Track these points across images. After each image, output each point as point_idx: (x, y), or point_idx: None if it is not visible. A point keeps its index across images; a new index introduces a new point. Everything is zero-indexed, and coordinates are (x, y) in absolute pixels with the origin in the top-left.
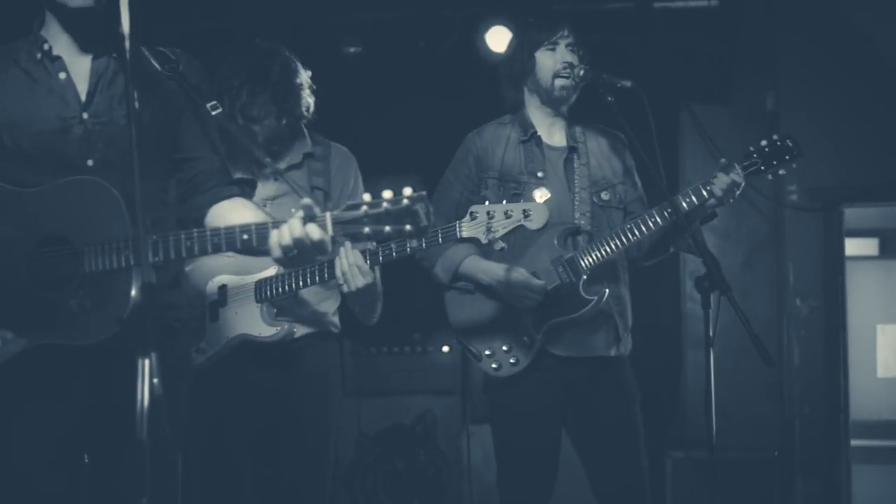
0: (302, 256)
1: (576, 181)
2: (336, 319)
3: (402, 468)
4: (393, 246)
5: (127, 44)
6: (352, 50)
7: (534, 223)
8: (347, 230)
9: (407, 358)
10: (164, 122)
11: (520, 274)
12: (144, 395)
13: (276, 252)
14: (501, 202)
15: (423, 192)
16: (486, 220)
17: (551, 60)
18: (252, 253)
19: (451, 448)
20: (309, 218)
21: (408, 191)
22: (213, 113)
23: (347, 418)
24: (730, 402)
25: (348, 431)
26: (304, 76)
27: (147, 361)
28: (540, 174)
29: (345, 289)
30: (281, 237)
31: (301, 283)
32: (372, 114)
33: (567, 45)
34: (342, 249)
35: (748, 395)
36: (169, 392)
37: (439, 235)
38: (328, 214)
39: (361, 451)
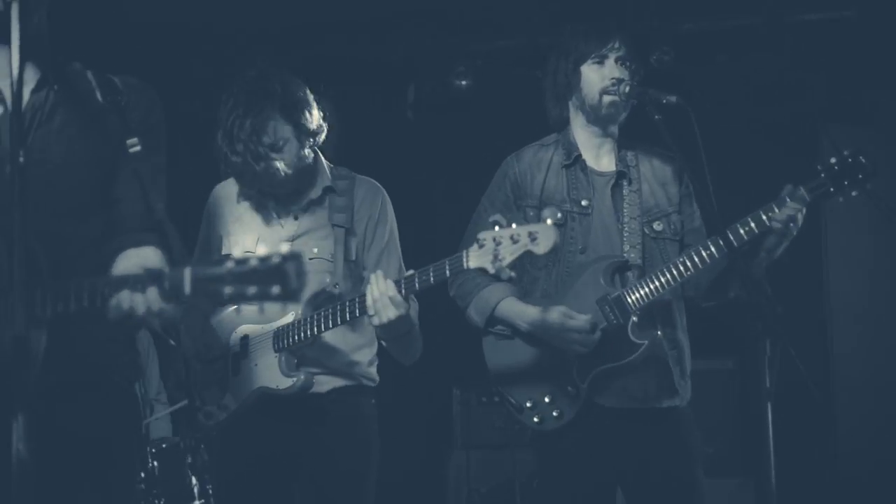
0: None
1: (625, 210)
2: (373, 371)
3: None
4: (431, 271)
5: (15, 66)
6: (463, 83)
7: (540, 247)
8: (206, 289)
9: None
10: (103, 159)
11: (558, 315)
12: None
13: (113, 314)
14: (511, 226)
15: (299, 252)
16: (493, 248)
17: (598, 75)
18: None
19: None
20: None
21: (284, 247)
22: (131, 150)
23: (457, 472)
24: None
25: (458, 486)
26: (309, 93)
27: (16, 424)
28: (584, 202)
29: (375, 321)
30: (120, 301)
31: (321, 328)
32: (485, 146)
33: (617, 59)
34: (373, 277)
35: None
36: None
37: (446, 267)
38: (187, 270)
39: None
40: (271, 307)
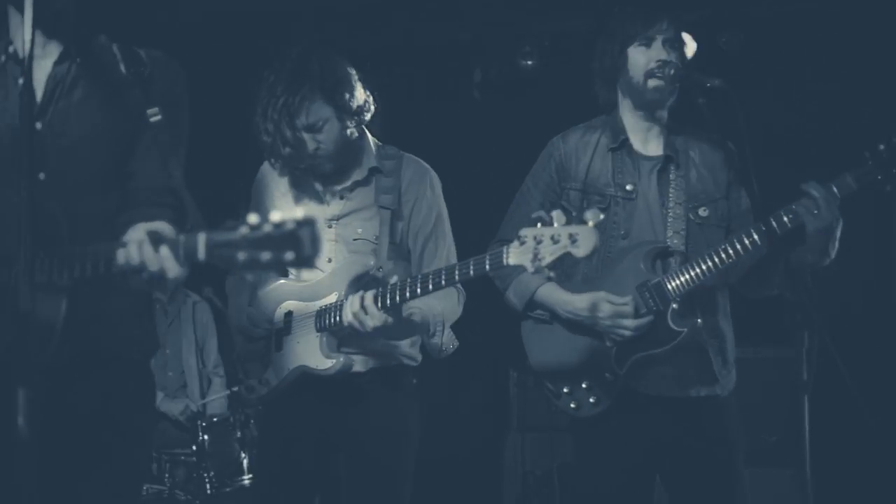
0: (150, 281)
1: (670, 195)
2: (414, 351)
3: None
4: (472, 264)
5: (27, 39)
6: (529, 63)
7: (580, 250)
8: (220, 254)
9: None
10: (122, 133)
11: (606, 306)
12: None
13: (122, 261)
14: (553, 224)
15: (314, 217)
16: (533, 246)
17: (644, 58)
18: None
19: None
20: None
21: (299, 212)
22: (151, 119)
23: (512, 454)
24: None
25: (513, 468)
26: (352, 71)
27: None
28: (629, 187)
29: (361, 330)
30: (129, 256)
31: None
32: (551, 126)
33: (665, 42)
34: (349, 298)
35: None
36: None
37: (486, 262)
38: (201, 235)
39: (528, 490)
40: (323, 286)
